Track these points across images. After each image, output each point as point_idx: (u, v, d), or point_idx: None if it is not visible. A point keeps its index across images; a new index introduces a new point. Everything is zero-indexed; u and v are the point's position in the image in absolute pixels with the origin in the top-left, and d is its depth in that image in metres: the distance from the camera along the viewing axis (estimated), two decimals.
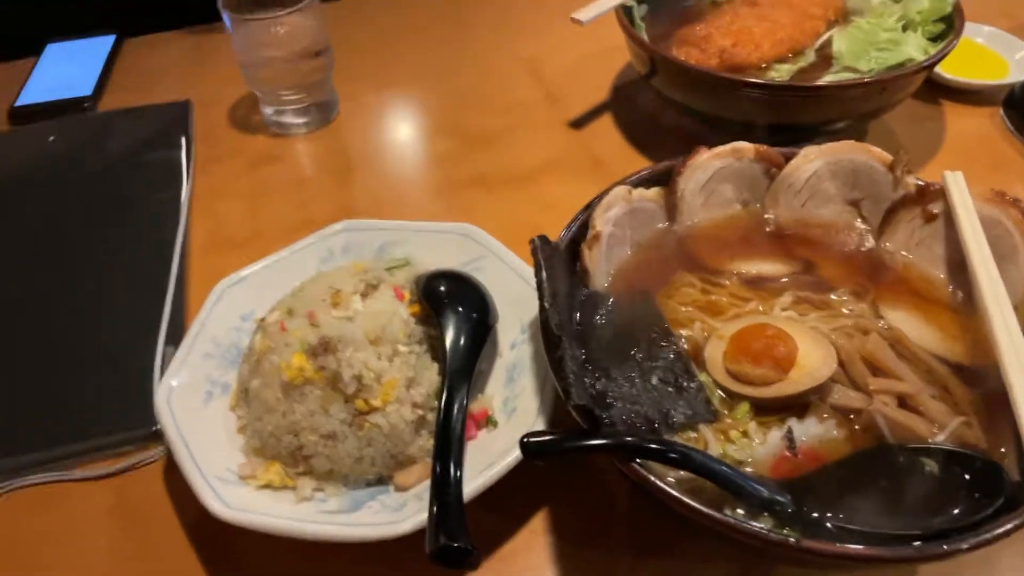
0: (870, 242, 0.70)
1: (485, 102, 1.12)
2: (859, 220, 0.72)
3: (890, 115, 0.99)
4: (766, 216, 0.73)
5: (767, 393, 0.57)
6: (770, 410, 0.57)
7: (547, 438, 0.52)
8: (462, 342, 0.65)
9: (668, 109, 1.01)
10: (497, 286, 0.72)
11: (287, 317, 0.66)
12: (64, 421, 0.71)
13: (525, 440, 0.50)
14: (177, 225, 0.90)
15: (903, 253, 0.69)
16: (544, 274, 0.59)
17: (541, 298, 0.57)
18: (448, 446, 0.58)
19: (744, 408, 0.58)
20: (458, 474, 0.56)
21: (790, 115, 0.88)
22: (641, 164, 0.90)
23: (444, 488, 0.55)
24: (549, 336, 0.55)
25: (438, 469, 0.56)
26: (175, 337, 0.75)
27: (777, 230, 0.72)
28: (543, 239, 0.62)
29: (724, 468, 0.51)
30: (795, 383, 0.57)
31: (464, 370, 0.63)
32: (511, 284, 0.72)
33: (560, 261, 0.63)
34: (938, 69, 1.05)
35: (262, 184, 1.00)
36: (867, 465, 0.53)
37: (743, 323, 0.62)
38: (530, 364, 0.67)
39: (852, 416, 0.57)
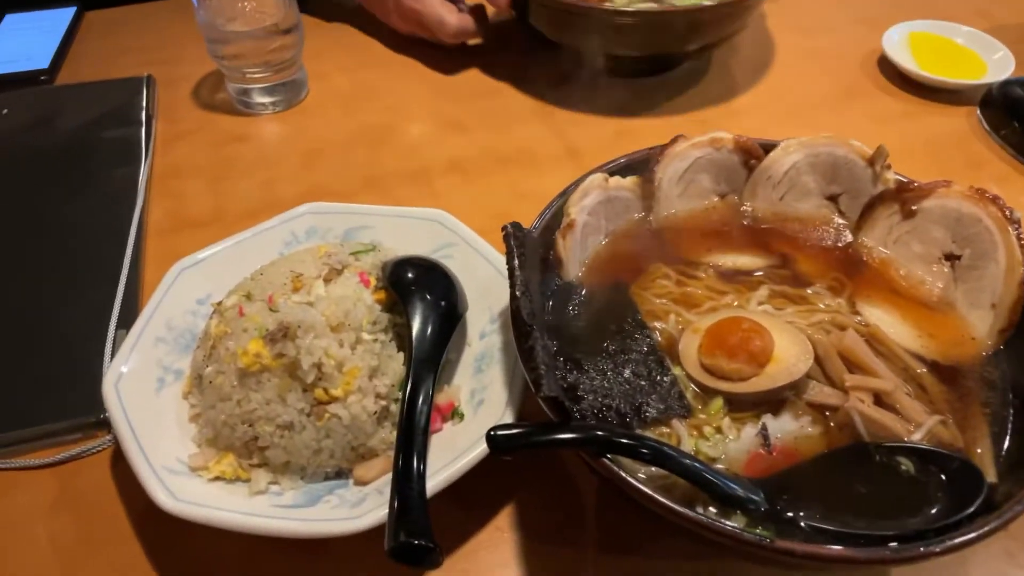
0: (848, 237, 0.69)
1: (460, 87, 1.10)
2: (837, 215, 0.70)
3: (867, 113, 0.98)
4: (743, 208, 0.72)
5: (742, 388, 0.56)
6: (745, 406, 0.56)
7: (515, 432, 0.49)
8: (429, 331, 0.62)
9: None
10: (467, 274, 0.69)
11: (245, 301, 0.63)
12: (8, 406, 0.67)
13: (492, 434, 0.48)
14: (134, 204, 0.87)
15: (881, 249, 0.67)
16: (516, 262, 0.56)
17: (513, 286, 0.55)
18: (411, 439, 0.55)
19: (718, 403, 0.56)
20: (421, 468, 0.54)
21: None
22: (618, 153, 0.88)
23: (406, 483, 0.53)
24: (520, 326, 0.53)
25: (400, 463, 0.54)
26: (128, 320, 0.71)
27: (754, 223, 0.71)
28: (516, 226, 0.59)
29: (696, 465, 0.49)
30: (771, 378, 0.56)
31: (430, 360, 0.61)
32: (482, 272, 0.70)
33: (533, 249, 0.60)
34: (916, 68, 1.05)
35: (225, 164, 0.96)
36: (842, 463, 0.52)
37: (719, 316, 0.61)
38: (499, 355, 0.64)
39: (828, 413, 0.55)
